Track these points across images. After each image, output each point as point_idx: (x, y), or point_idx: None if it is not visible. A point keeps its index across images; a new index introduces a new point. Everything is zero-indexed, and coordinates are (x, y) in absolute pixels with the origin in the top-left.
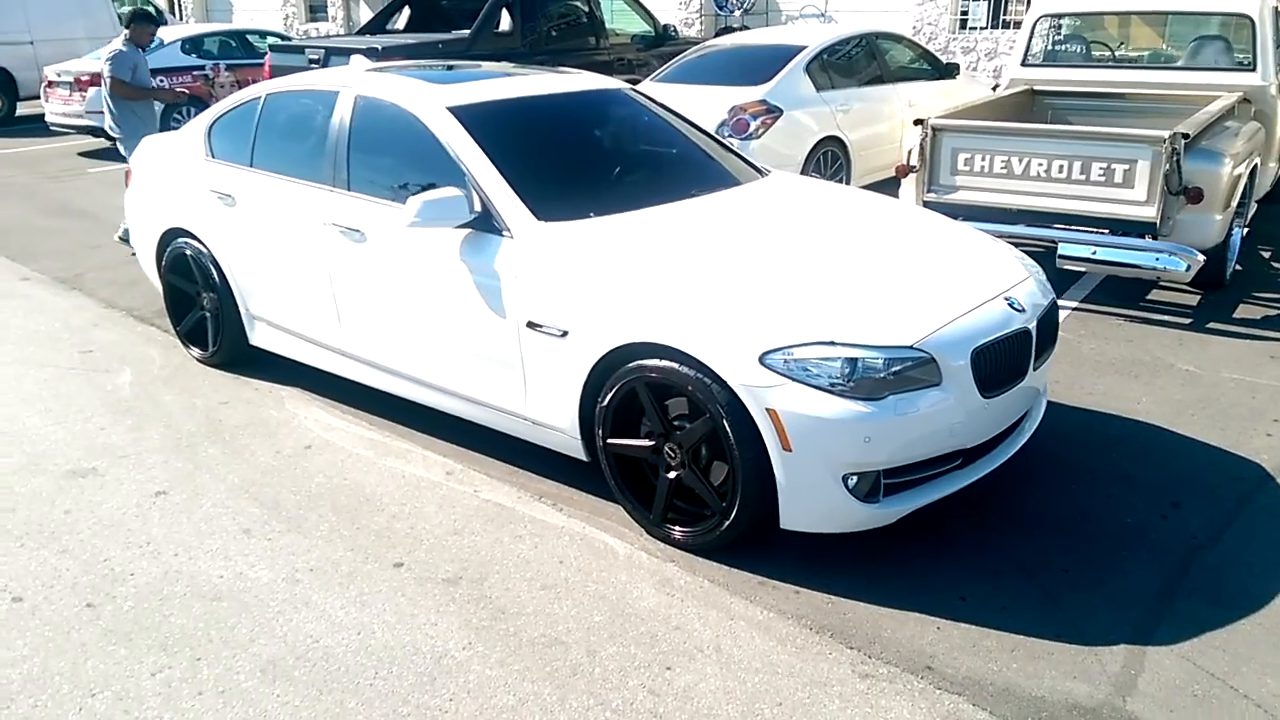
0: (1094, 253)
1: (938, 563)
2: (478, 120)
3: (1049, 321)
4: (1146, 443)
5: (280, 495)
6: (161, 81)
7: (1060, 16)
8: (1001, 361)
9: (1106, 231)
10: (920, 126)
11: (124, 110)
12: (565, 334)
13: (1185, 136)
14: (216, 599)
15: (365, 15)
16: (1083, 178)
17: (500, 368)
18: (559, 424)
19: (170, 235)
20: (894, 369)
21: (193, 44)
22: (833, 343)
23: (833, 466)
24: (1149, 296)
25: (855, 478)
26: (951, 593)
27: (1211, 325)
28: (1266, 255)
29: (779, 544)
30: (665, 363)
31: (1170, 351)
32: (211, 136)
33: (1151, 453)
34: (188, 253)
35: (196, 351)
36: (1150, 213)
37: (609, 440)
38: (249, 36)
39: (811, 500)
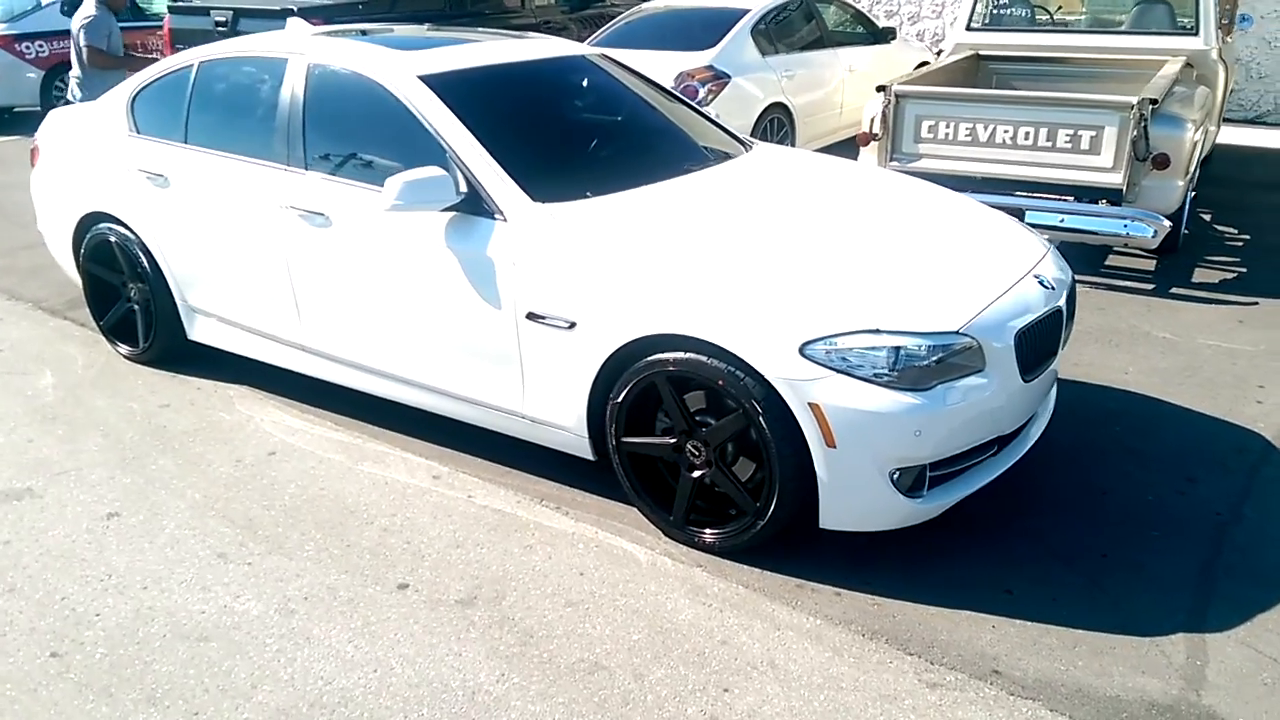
0: (1061, 220)
1: (973, 555)
2: (452, 91)
3: (1071, 298)
4: (1144, 415)
5: (252, 511)
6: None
7: None
8: (1038, 343)
9: (1072, 199)
10: (883, 93)
11: (94, 81)
12: (573, 326)
13: (1154, 102)
14: (203, 639)
15: None
16: (1048, 144)
17: (494, 363)
18: (563, 422)
19: (90, 220)
20: (937, 357)
21: (73, 5)
22: (878, 330)
23: (880, 462)
24: (1106, 263)
25: (900, 473)
26: (996, 586)
27: (1175, 291)
28: (1208, 218)
29: (805, 542)
30: (691, 356)
31: (1143, 319)
32: (135, 109)
33: (1152, 425)
34: (112, 239)
35: (124, 348)
36: (1117, 179)
37: (624, 439)
38: None
39: (855, 498)
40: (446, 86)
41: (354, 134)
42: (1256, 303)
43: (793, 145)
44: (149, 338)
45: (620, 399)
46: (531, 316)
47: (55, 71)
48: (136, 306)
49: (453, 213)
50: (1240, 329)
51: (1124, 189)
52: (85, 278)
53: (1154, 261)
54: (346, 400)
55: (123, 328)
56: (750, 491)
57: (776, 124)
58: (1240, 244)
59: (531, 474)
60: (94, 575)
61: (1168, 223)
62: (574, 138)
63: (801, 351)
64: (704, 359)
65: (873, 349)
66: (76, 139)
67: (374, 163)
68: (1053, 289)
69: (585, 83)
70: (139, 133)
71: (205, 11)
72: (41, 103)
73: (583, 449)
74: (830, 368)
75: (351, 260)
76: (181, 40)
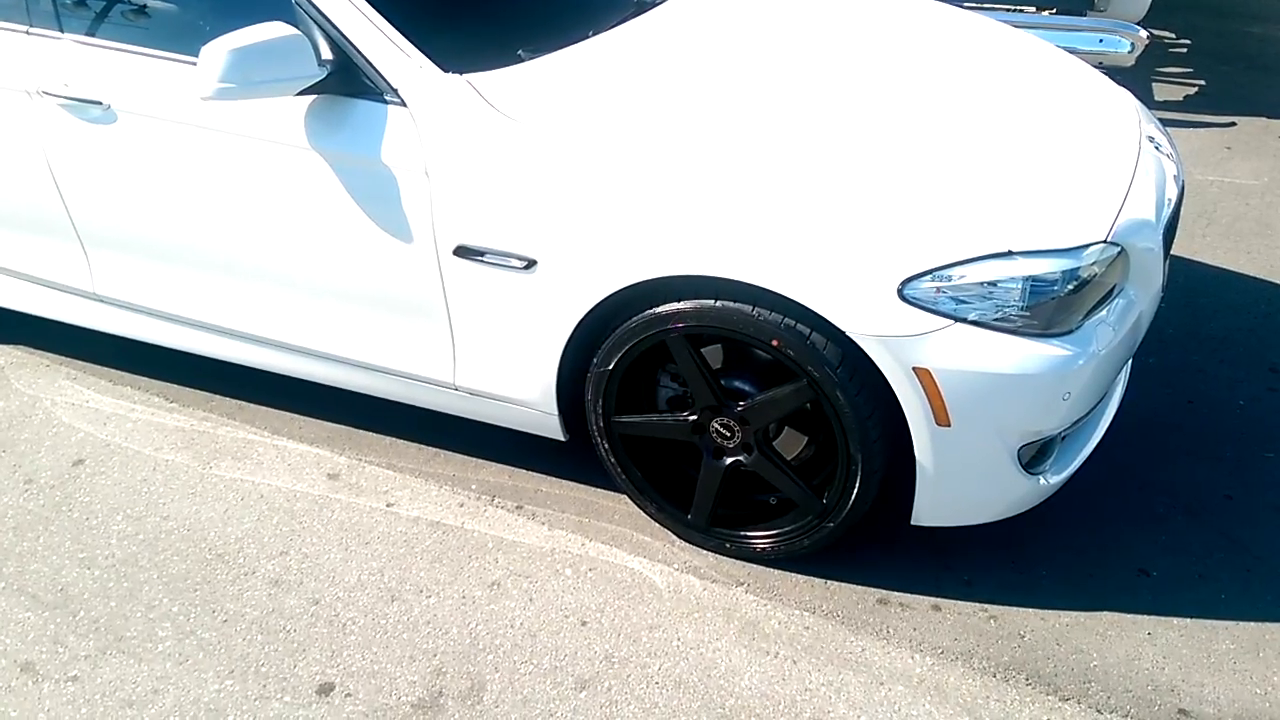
0: (1031, 36)
1: (1078, 523)
2: None
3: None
4: (1183, 281)
5: (63, 574)
6: None
7: None
8: (1171, 231)
9: (1034, 9)
10: None
11: None
12: (530, 265)
13: None
14: None
15: None
16: None
17: (404, 316)
18: (521, 396)
19: None
20: (1074, 282)
21: None
22: (1010, 253)
23: (1009, 439)
24: None
25: (1026, 447)
26: (1126, 567)
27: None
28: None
29: (857, 532)
30: (727, 305)
31: None
32: None
33: (1195, 295)
34: None
35: None
36: None
37: (615, 418)
38: None
39: (967, 486)
40: None
41: None
42: (1234, 123)
43: None
44: None
45: (610, 366)
46: (463, 252)
47: None
48: None
49: (314, 95)
50: (1232, 158)
51: None
52: None
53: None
54: (172, 361)
55: None
56: (803, 477)
57: None
58: (1184, 50)
59: (467, 455)
60: None
61: (1144, 34)
62: None
63: (901, 293)
64: (748, 310)
65: (999, 281)
66: None
67: (173, 16)
68: (1170, 154)
69: None
70: None
71: None
72: None
73: (551, 429)
74: (941, 313)
75: (158, 171)
76: None
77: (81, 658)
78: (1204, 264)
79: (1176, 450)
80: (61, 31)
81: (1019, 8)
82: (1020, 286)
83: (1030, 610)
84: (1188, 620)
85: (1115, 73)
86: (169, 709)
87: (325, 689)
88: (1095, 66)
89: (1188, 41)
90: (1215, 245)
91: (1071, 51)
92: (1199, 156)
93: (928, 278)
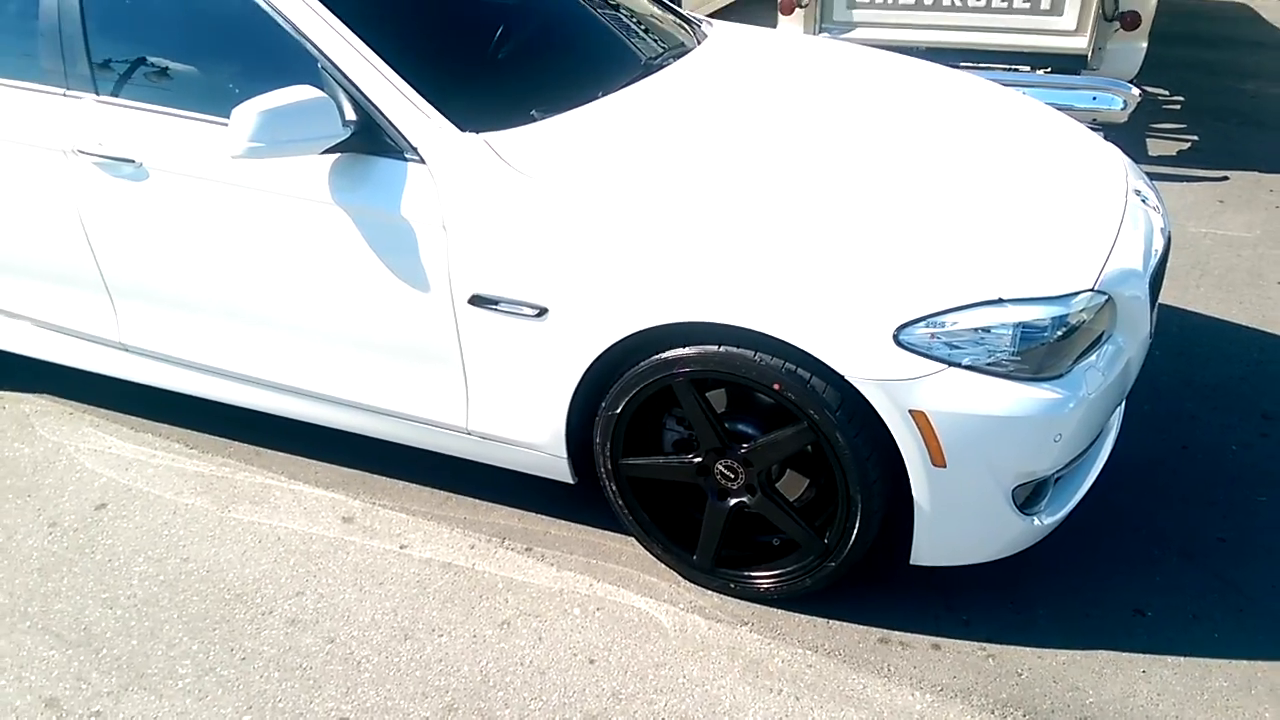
0: (1023, 94)
1: (1075, 563)
2: None
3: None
4: (1177, 332)
5: (86, 613)
6: None
7: None
8: (1158, 281)
9: (1029, 69)
10: None
11: None
12: (543, 314)
13: None
14: None
15: None
16: (1004, 4)
17: (420, 363)
18: (531, 440)
19: None
20: (1062, 328)
21: None
22: (1000, 300)
23: (1003, 480)
24: None
25: (1020, 488)
26: (1121, 606)
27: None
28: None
29: (861, 574)
30: (730, 350)
31: None
32: None
33: (1191, 344)
34: None
35: None
36: (1081, 43)
37: (623, 460)
38: None
39: (964, 526)
40: None
41: (166, 37)
42: (1227, 177)
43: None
44: None
45: (618, 410)
46: (477, 301)
47: None
48: None
49: (338, 153)
50: (1224, 211)
51: (1089, 54)
52: None
53: (1101, 135)
54: (191, 409)
55: None
56: (811, 525)
57: None
58: (1177, 107)
59: (478, 499)
60: None
61: (1137, 92)
62: (485, 31)
63: (897, 339)
64: (749, 355)
65: (991, 328)
66: None
67: (203, 80)
68: (1156, 207)
69: None
70: None
71: None
72: None
73: (559, 472)
74: (935, 358)
75: (187, 226)
76: None
77: (104, 694)
78: (1197, 314)
79: (1171, 495)
80: (96, 94)
81: (1016, 68)
82: (1011, 332)
83: (1028, 649)
84: (1181, 658)
85: (1110, 128)
86: None
87: None
88: (1090, 123)
89: (1181, 98)
90: (1208, 296)
91: (1067, 109)
92: (1192, 210)
93: (922, 324)
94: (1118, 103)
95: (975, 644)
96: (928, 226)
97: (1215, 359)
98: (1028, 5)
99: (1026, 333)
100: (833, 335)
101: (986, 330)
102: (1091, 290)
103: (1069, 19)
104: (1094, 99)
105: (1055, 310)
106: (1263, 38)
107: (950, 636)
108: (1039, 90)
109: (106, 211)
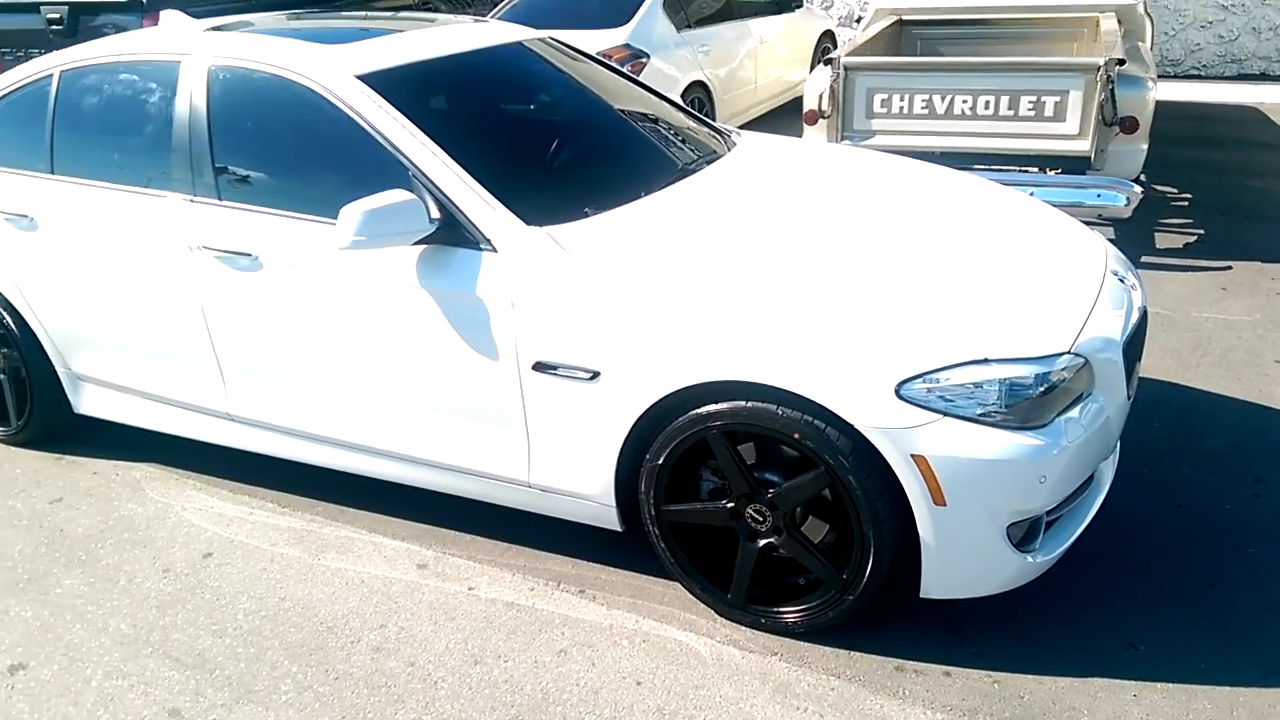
0: (1031, 194)
1: (1076, 603)
2: (398, 92)
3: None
4: (1177, 405)
5: (200, 641)
6: None
7: None
8: (1132, 350)
9: (1035, 170)
10: (830, 67)
11: None
12: (595, 377)
13: (1120, 62)
14: None
15: None
16: (1010, 113)
17: (490, 423)
18: (585, 490)
19: None
20: (1045, 386)
21: None
22: (987, 360)
23: (997, 517)
24: None
25: (1014, 526)
26: (1117, 640)
27: (1146, 259)
28: (1143, 178)
29: (884, 610)
30: (755, 405)
31: None
32: None
33: (1189, 415)
34: None
35: None
36: (1084, 146)
37: (665, 507)
38: None
39: (965, 561)
40: (390, 86)
41: (279, 152)
42: (1230, 267)
43: None
44: (24, 414)
45: (660, 461)
46: (540, 367)
47: None
48: (3, 377)
49: (424, 245)
50: (1225, 297)
51: (1091, 156)
52: None
53: (1112, 230)
54: (282, 473)
55: None
56: (831, 561)
57: (697, 104)
58: (1185, 204)
59: (536, 549)
60: None
61: (1139, 189)
62: (546, 141)
63: (898, 393)
64: (773, 409)
65: (981, 383)
66: None
67: (310, 187)
68: (1134, 286)
69: (539, 74)
70: None
71: (33, 8)
72: None
73: (609, 520)
74: (932, 409)
75: (293, 309)
76: (4, 45)
77: (219, 705)
78: (1197, 389)
79: (1166, 545)
80: (219, 199)
81: (1025, 169)
82: (999, 388)
83: (1030, 676)
84: (1170, 684)
85: (1117, 223)
86: None
87: None
88: (1096, 219)
89: (1189, 196)
90: (1208, 373)
91: (1075, 205)
92: (1195, 296)
93: (920, 380)
94: (1120, 199)
95: (983, 671)
96: (925, 299)
97: (1212, 429)
98: (1033, 113)
99: (1013, 388)
100: (843, 390)
101: (978, 385)
102: (1069, 352)
103: (1071, 124)
104: (1099, 196)
105: (1037, 369)
106: (1270, 139)
107: (960, 665)
108: (1048, 189)
109: (223, 297)
